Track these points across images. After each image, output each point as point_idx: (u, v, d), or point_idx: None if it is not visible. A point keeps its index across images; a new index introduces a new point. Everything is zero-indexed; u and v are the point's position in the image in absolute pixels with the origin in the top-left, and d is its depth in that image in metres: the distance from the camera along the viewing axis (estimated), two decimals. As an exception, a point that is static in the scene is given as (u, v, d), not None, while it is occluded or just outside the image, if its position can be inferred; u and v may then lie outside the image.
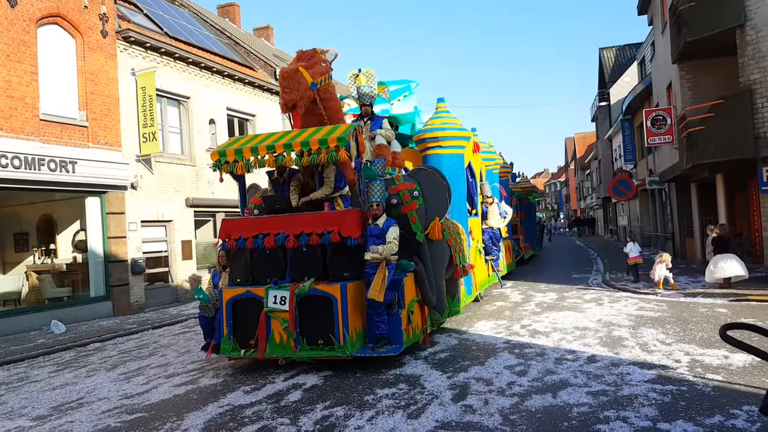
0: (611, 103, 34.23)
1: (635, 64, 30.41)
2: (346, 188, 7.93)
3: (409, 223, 7.66)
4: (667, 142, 18.25)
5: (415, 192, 7.83)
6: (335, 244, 7.05)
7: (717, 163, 14.23)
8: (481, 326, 9.33)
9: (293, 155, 7.22)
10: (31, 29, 12.31)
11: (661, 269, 12.19)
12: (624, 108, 27.02)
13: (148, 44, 15.27)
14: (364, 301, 7.19)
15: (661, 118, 18.28)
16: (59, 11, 13.01)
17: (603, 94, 36.95)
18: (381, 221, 7.19)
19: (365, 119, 9.76)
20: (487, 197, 13.49)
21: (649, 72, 24.05)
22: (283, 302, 6.97)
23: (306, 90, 7.58)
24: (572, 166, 64.79)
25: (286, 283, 7.14)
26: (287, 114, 8.69)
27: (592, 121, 43.41)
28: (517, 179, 25.18)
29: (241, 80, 19.13)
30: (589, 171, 51.59)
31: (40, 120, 12.34)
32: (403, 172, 9.44)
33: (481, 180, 13.24)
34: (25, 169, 11.74)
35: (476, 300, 11.93)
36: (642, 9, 22.03)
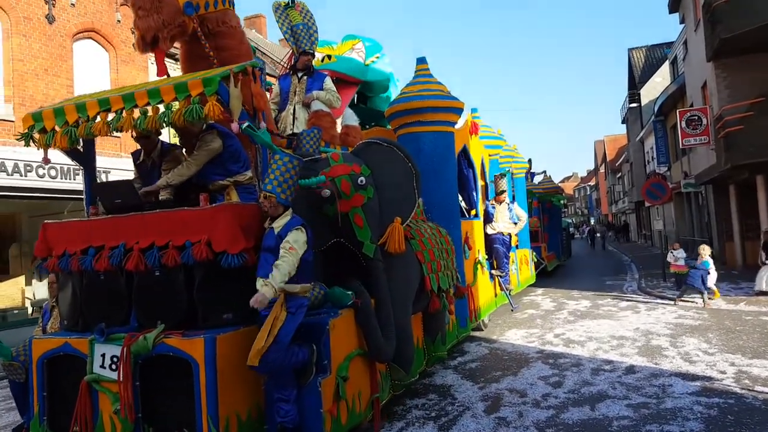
0: (642, 104, 33.46)
1: (666, 63, 29.69)
2: (248, 172, 5.02)
3: (351, 226, 4.95)
4: (704, 143, 17.69)
5: (362, 179, 4.99)
6: (205, 263, 4.16)
7: (757, 163, 13.70)
8: (512, 335, 9.09)
9: (137, 113, 4.39)
10: (67, 44, 12.71)
11: (713, 273, 11.19)
12: (656, 109, 26.37)
13: (178, 56, 15.47)
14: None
15: (696, 118, 17.73)
16: (93, 26, 13.45)
17: (633, 95, 36.17)
18: (279, 224, 4.31)
19: (300, 74, 6.69)
20: (499, 193, 10.91)
21: (681, 71, 23.43)
22: (114, 366, 4.18)
23: (176, 14, 4.98)
24: (602, 170, 63.62)
25: (119, 332, 4.26)
26: (145, 54, 6.01)
27: (623, 123, 42.54)
28: (537, 178, 22.13)
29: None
30: (620, 174, 50.56)
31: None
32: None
33: (483, 171, 10.43)
34: (61, 179, 12.02)
35: (478, 329, 9.29)
36: (673, 7, 21.49)
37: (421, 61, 8.50)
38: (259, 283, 4.11)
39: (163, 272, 4.30)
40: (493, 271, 10.27)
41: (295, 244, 4.16)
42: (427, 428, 5.08)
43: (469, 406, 5.63)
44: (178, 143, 5.44)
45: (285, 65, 8.29)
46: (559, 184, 27.45)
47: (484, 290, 9.57)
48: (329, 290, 4.74)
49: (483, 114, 12.55)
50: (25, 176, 11.56)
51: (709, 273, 11.01)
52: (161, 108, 4.34)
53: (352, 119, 7.14)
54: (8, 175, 11.29)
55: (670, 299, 11.93)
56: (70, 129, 4.55)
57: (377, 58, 8.92)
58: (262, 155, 5.12)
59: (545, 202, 19.80)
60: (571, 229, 40.14)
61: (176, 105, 4.28)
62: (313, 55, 6.99)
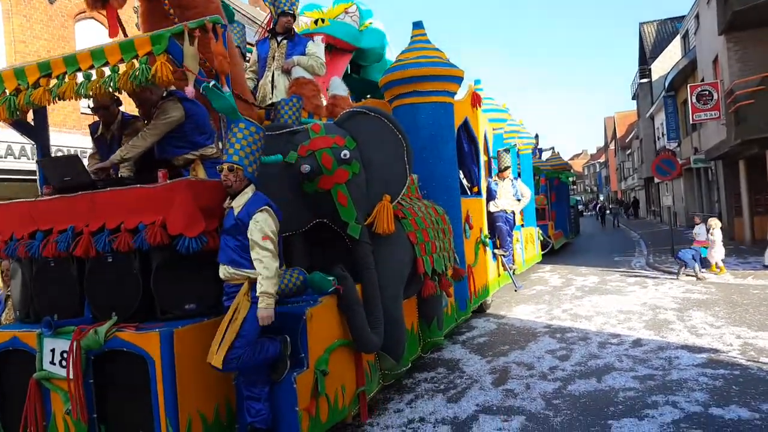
0: (653, 79, 33.02)
1: (678, 38, 29.22)
2: (214, 145, 4.62)
3: (334, 205, 4.58)
4: (714, 118, 17.51)
5: (345, 152, 4.55)
6: (162, 248, 3.76)
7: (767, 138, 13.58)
8: (520, 310, 9.18)
9: (80, 78, 3.92)
10: (69, 24, 12.68)
11: (720, 247, 11.37)
12: (666, 84, 26.05)
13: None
14: None
15: (707, 93, 17.53)
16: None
17: (644, 70, 35.67)
18: (239, 203, 3.77)
19: (280, 38, 6.15)
20: (503, 169, 10.32)
21: (693, 46, 23.09)
22: (64, 363, 3.75)
23: None
24: (612, 147, 63.11)
25: (71, 325, 3.82)
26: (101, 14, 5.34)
27: (633, 99, 42.04)
28: (545, 154, 21.76)
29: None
30: (630, 151, 50.15)
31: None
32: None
33: (486, 145, 9.88)
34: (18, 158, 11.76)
35: (480, 310, 8.98)
36: (685, -20, 21.07)
37: (418, 25, 7.84)
38: (222, 271, 3.75)
39: (116, 258, 3.87)
40: (496, 251, 9.90)
41: (267, 230, 3.65)
42: (436, 400, 5.19)
43: (477, 379, 5.73)
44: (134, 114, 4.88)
45: (263, 28, 7.40)
46: (569, 162, 26.88)
47: (486, 270, 9.19)
48: (309, 276, 4.31)
49: (490, 92, 12.07)
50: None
51: (699, 253, 11.21)
52: (107, 71, 3.84)
53: (341, 89, 6.41)
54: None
55: (673, 274, 11.95)
56: (10, 98, 4.04)
57: (370, 24, 8.19)
58: (226, 124, 4.35)
59: (553, 179, 19.34)
60: (579, 207, 39.76)
61: (124, 68, 3.80)
62: (294, 17, 6.28)
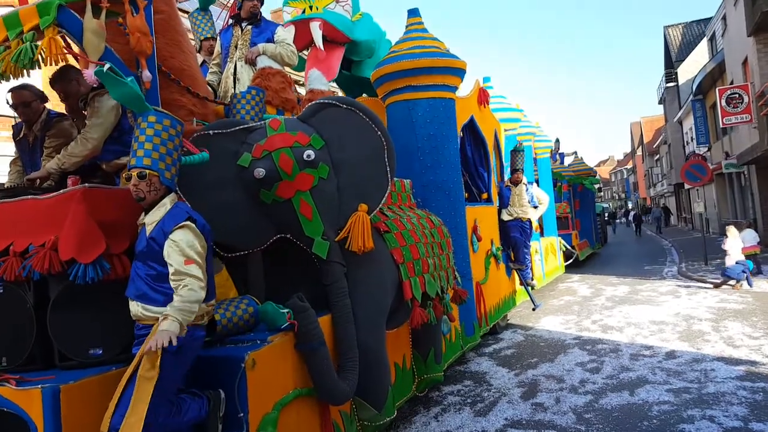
0: (679, 83, 32.44)
1: (704, 40, 28.69)
2: None
3: (296, 217, 3.78)
4: (745, 121, 17.10)
5: (309, 152, 3.76)
6: (59, 277, 2.99)
7: (803, 141, 13.19)
8: (548, 322, 9.02)
9: None
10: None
11: (737, 254, 10.98)
12: (694, 88, 25.57)
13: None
14: None
15: (737, 96, 17.14)
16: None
17: (670, 74, 35.07)
18: (153, 219, 2.98)
19: (244, 24, 5.46)
20: (514, 171, 9.17)
21: (720, 48, 22.64)
22: None
23: None
24: (639, 152, 62.09)
25: None
26: None
27: (659, 103, 41.35)
28: (567, 159, 20.59)
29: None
30: (658, 156, 49.25)
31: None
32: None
33: (498, 147, 8.94)
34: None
35: (493, 332, 8.06)
36: (711, -18, 20.76)
37: (414, 13, 7.05)
38: (132, 307, 2.89)
39: (7, 289, 3.08)
40: (510, 264, 8.90)
41: (189, 251, 2.81)
42: (463, 414, 5.11)
43: (506, 392, 5.63)
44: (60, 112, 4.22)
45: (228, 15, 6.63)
46: (595, 168, 26.40)
47: (499, 287, 8.17)
48: (260, 307, 3.50)
49: (521, 101, 11.75)
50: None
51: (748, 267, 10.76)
52: None
53: (320, 82, 5.53)
54: None
55: (712, 284, 11.63)
56: None
57: (361, 16, 7.55)
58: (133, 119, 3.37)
59: (576, 186, 18.50)
60: (606, 214, 38.68)
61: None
62: (262, 1, 5.55)
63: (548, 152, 13.87)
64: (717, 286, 11.05)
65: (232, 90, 5.14)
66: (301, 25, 6.73)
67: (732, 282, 10.84)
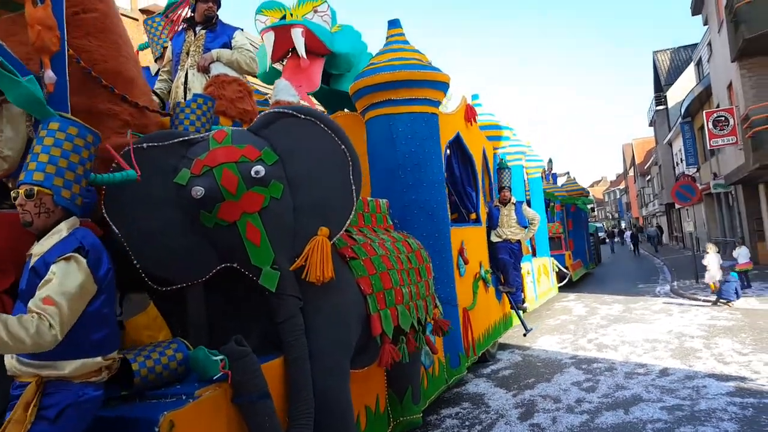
0: (669, 106, 33.11)
1: (692, 65, 29.41)
2: None
3: (242, 243, 3.27)
4: (731, 143, 17.52)
5: (258, 168, 3.26)
6: None
7: (787, 162, 13.56)
8: (545, 341, 9.17)
9: None
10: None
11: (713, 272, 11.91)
12: (683, 111, 26.13)
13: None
14: None
15: (723, 118, 17.58)
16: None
17: (659, 98, 35.82)
18: (42, 248, 2.42)
19: (198, 28, 4.89)
20: (503, 189, 8.83)
21: (707, 73, 23.23)
22: None
23: None
24: (631, 173, 62.76)
25: None
26: None
27: (650, 125, 42.06)
28: (559, 180, 20.53)
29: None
30: (649, 177, 49.86)
31: None
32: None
33: (486, 165, 8.61)
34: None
35: (483, 360, 7.68)
36: (696, 9, 21.40)
37: (394, 24, 6.63)
38: (8, 360, 2.35)
39: None
40: (501, 287, 8.48)
41: (58, 290, 2.21)
42: (464, 434, 5.23)
43: (503, 413, 5.73)
44: None
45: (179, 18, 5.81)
46: (589, 188, 26.59)
47: (488, 313, 7.70)
48: (191, 353, 2.92)
49: (513, 122, 11.62)
50: None
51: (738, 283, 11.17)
52: None
53: (287, 93, 4.84)
54: None
55: (704, 301, 11.85)
56: None
57: (339, 28, 7.08)
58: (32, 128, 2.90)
59: (569, 206, 18.54)
60: (601, 234, 38.65)
61: None
62: (218, 4, 4.92)
63: (540, 172, 13.71)
64: (714, 303, 11.29)
65: (183, 100, 4.57)
66: (282, 31, 6.20)
67: (727, 301, 11.11)
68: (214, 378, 2.78)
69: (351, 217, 3.65)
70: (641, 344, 8.26)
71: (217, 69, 4.62)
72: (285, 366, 3.29)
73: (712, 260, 12.22)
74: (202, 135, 3.47)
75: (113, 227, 3.00)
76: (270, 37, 5.77)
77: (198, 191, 3.13)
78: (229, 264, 3.32)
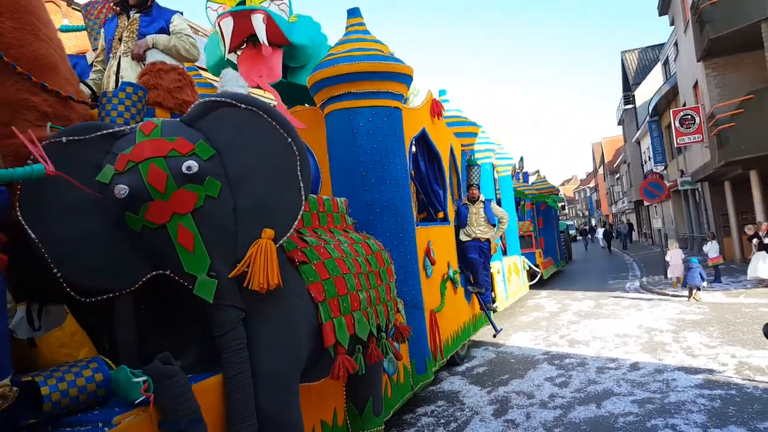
0: (637, 105, 33.77)
1: (659, 65, 30.03)
2: None
3: (174, 248, 2.92)
4: (697, 141, 17.92)
5: (191, 163, 2.92)
6: None
7: (750, 159, 13.90)
8: (518, 338, 9.23)
9: None
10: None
11: (676, 268, 12.58)
12: (650, 109, 26.66)
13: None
14: None
15: (689, 117, 17.98)
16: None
17: (628, 97, 36.51)
18: None
19: (132, 11, 4.54)
20: (471, 186, 8.56)
21: (673, 72, 23.73)
22: None
23: None
24: (601, 171, 63.88)
25: None
26: None
27: (619, 124, 42.84)
28: (530, 178, 20.72)
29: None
30: (618, 175, 50.81)
31: None
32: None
33: (455, 163, 8.35)
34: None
35: (452, 363, 7.56)
36: (662, 10, 21.83)
37: (354, 13, 6.26)
38: None
39: None
40: (470, 288, 8.23)
41: None
42: (438, 432, 5.21)
43: (478, 410, 5.75)
44: None
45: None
46: (559, 187, 26.91)
47: (457, 314, 7.45)
48: (113, 373, 2.58)
49: (483, 121, 11.20)
50: None
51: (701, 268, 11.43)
52: None
53: (236, 83, 4.29)
54: None
55: (672, 296, 12.09)
56: None
57: (296, 19, 6.73)
58: None
59: (539, 204, 18.56)
60: (572, 232, 38.90)
61: None
62: None
63: (510, 170, 13.63)
64: (688, 298, 11.46)
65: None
66: (241, 17, 5.79)
67: (695, 289, 11.30)
68: (136, 402, 2.45)
69: (299, 217, 3.23)
70: (612, 339, 8.37)
71: (153, 56, 4.23)
72: (224, 384, 2.90)
73: (674, 255, 12.92)
74: (130, 127, 3.12)
75: (28, 231, 2.68)
76: (228, 23, 5.40)
77: (121, 190, 2.76)
78: (162, 271, 2.95)
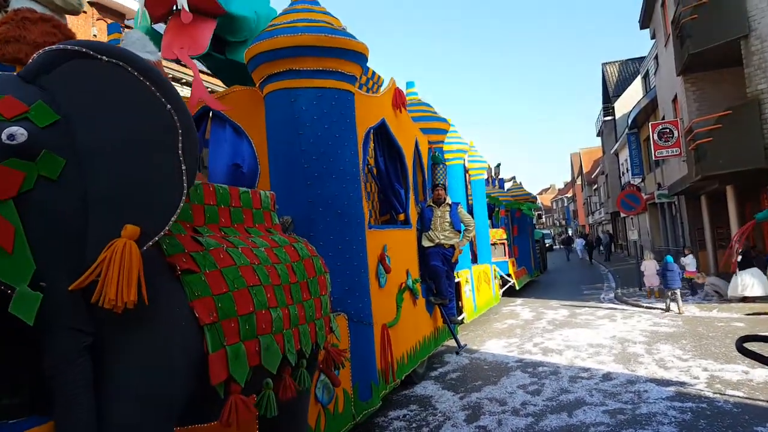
0: (616, 117, 34.21)
1: (639, 78, 30.46)
2: None
3: None
4: (675, 155, 18.13)
5: (16, 131, 1.99)
6: None
7: (726, 174, 14.08)
8: (492, 345, 9.17)
9: None
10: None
11: (652, 278, 12.93)
12: (629, 122, 26.99)
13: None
14: None
15: (667, 131, 18.18)
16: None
17: (607, 108, 36.99)
18: None
19: None
20: (436, 186, 7.83)
21: (653, 85, 24.06)
22: None
23: None
24: (579, 182, 64.64)
25: None
26: None
27: (598, 135, 43.37)
28: (506, 184, 20.16)
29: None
30: (596, 186, 51.44)
31: None
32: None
33: (420, 161, 7.60)
34: None
35: (409, 382, 6.74)
36: (644, 23, 22.11)
37: None
38: None
39: None
40: (431, 299, 7.43)
41: None
42: (408, 438, 5.10)
43: (450, 416, 5.67)
44: None
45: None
46: (537, 195, 27.03)
47: (416, 328, 6.64)
48: None
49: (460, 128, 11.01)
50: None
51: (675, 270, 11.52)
52: None
53: (141, 47, 3.47)
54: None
55: (646, 307, 12.17)
56: None
57: None
58: None
59: (514, 211, 18.02)
60: (548, 241, 38.77)
61: None
62: None
63: (483, 174, 12.73)
64: (666, 310, 11.51)
65: None
66: None
67: (672, 291, 11.37)
68: None
69: (178, 209, 2.32)
70: (585, 349, 8.35)
71: (18, 2, 3.48)
72: None
73: (649, 266, 13.19)
74: None
75: None
76: None
77: None
78: None
